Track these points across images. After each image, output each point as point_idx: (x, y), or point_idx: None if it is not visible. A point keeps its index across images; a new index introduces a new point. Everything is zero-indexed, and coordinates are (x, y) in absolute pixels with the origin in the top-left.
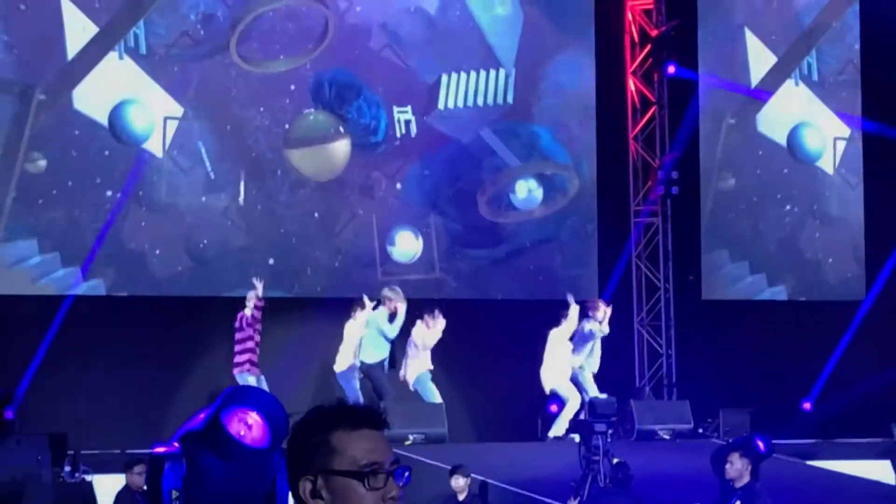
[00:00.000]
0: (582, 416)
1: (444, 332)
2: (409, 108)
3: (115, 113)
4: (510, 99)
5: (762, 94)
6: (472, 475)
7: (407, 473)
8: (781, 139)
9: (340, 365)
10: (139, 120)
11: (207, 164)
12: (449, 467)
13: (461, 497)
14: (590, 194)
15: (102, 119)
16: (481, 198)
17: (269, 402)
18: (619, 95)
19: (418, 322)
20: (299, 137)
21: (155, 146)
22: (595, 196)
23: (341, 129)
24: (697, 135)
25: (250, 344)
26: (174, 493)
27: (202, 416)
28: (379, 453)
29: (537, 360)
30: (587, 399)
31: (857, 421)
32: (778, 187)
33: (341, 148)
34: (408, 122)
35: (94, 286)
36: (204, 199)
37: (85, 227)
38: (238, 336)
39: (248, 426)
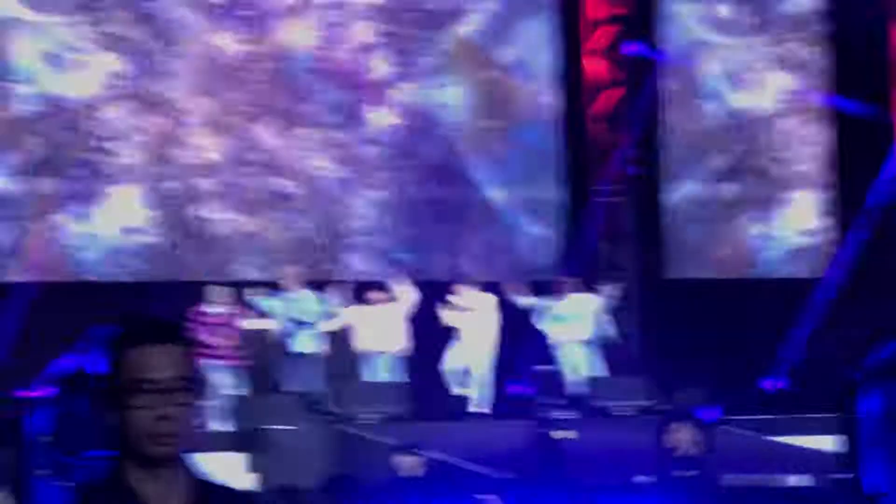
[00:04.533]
0: None
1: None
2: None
3: None
4: None
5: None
6: (422, 452)
7: (191, 388)
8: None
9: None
10: None
11: None
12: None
13: (406, 475)
14: (553, 175)
15: None
16: None
17: None
18: (579, 75)
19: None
20: None
21: None
22: (558, 177)
23: None
24: (658, 114)
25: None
26: (43, 438)
27: (71, 357)
28: (151, 370)
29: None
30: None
31: (817, 397)
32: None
33: None
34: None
35: None
36: None
37: None
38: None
39: None
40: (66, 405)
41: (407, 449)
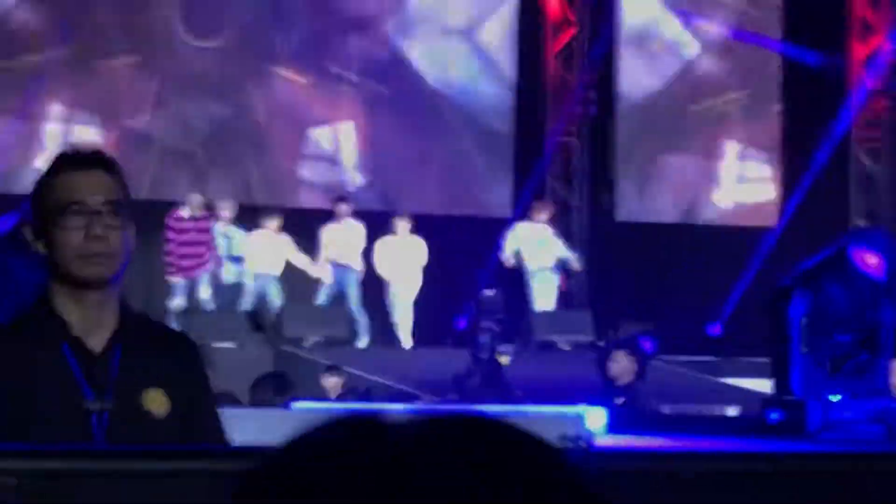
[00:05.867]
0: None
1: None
2: None
3: None
4: None
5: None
6: (360, 374)
7: (120, 212)
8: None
9: None
10: None
11: None
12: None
13: (332, 396)
14: (508, 114)
15: None
16: None
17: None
18: (539, 14)
19: None
20: None
21: None
22: (513, 116)
23: None
24: (616, 55)
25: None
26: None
27: (8, 219)
28: (82, 192)
29: (454, 274)
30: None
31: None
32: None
33: None
34: None
35: None
36: None
37: None
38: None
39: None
40: (3, 266)
41: (334, 369)
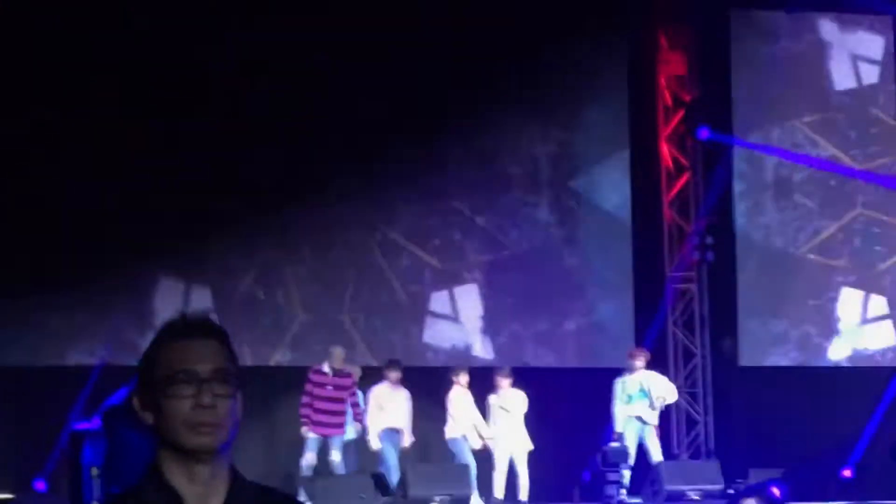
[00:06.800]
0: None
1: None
2: None
3: None
4: None
5: (798, 157)
6: None
7: (229, 380)
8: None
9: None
10: None
11: None
12: None
13: None
14: (626, 263)
15: None
16: None
17: None
18: (653, 161)
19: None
20: None
21: None
22: (630, 263)
23: None
24: (731, 199)
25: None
26: (94, 471)
27: (122, 391)
28: (190, 361)
29: (573, 426)
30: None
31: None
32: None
33: None
34: None
35: None
36: None
37: None
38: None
39: None
40: (117, 437)
41: None
